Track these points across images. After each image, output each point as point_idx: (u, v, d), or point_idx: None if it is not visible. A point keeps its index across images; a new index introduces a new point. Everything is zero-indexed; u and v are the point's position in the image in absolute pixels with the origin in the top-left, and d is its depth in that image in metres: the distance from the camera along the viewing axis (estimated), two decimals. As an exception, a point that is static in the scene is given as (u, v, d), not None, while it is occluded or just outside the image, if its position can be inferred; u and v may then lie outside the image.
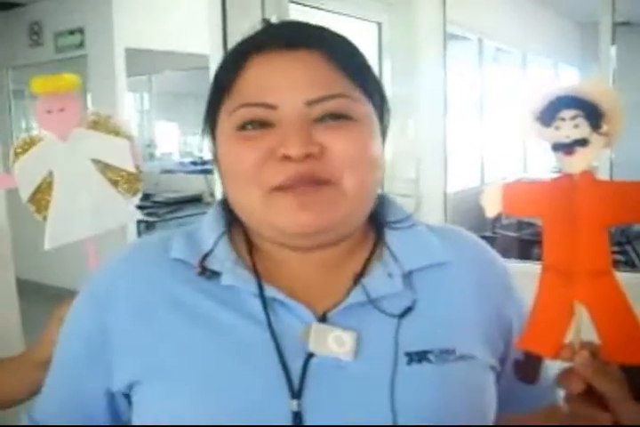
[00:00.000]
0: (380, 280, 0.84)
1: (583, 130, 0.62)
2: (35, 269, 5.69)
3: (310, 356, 0.78)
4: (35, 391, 1.11)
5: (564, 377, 0.66)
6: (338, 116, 0.79)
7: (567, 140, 0.63)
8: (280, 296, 0.81)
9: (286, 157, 0.76)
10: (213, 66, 2.81)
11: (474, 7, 5.22)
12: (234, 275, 0.82)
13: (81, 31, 6.00)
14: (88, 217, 1.06)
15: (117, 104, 5.77)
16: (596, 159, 0.64)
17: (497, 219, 5.51)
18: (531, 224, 5.05)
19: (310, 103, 0.78)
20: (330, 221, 0.79)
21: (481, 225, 5.76)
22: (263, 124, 0.79)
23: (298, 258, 0.86)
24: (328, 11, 3.66)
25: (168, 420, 0.77)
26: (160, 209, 5.68)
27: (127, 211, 1.08)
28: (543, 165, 8.38)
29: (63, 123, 1.05)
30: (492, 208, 0.70)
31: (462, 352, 0.82)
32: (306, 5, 3.46)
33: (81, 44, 6.03)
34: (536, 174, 7.87)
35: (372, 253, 0.88)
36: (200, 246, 0.86)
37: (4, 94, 6.74)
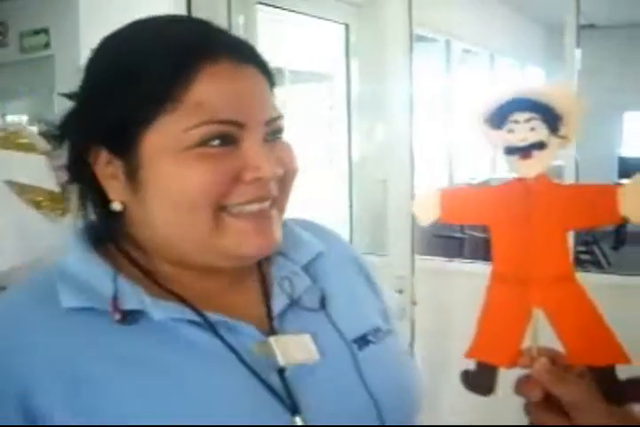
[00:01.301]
0: (291, 280, 0.85)
1: (541, 133, 0.61)
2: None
3: (281, 370, 0.76)
4: None
5: (523, 385, 0.65)
6: (279, 134, 0.80)
7: (523, 144, 0.62)
8: (224, 319, 0.76)
9: (257, 179, 0.74)
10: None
11: (441, 9, 5.24)
12: (162, 308, 0.74)
13: (46, 31, 5.91)
14: (13, 244, 0.96)
15: None
16: (563, 160, 0.63)
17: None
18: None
19: (268, 122, 0.77)
20: (276, 242, 0.79)
21: (450, 225, 5.79)
22: (226, 142, 0.74)
23: (206, 279, 0.82)
24: (296, 12, 3.65)
25: None
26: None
27: (55, 233, 0.96)
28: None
29: None
30: (426, 216, 0.68)
31: (384, 328, 0.90)
32: (274, 6, 3.45)
33: (47, 45, 5.95)
34: (503, 175, 7.92)
35: (260, 261, 0.87)
36: (97, 290, 0.75)
37: (-32, 95, 6.64)
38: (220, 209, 0.74)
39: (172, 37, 0.76)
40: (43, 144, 0.95)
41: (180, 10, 2.49)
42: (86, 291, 0.75)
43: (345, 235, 4.11)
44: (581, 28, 3.47)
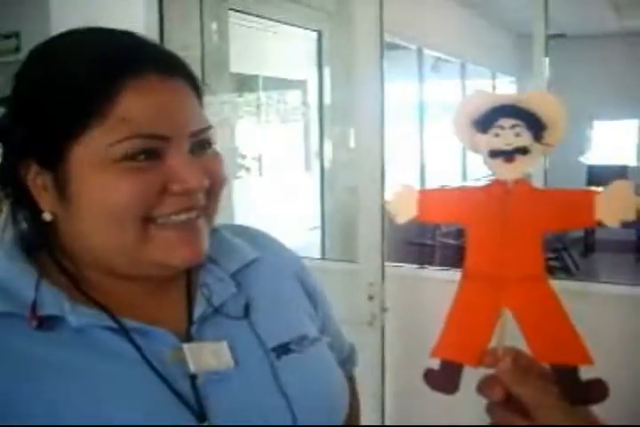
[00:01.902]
0: (215, 287, 0.86)
1: (525, 139, 0.63)
2: None
3: (193, 377, 0.77)
4: None
5: (486, 385, 0.65)
6: (206, 146, 0.80)
7: (508, 148, 0.63)
8: (140, 325, 0.77)
9: (185, 191, 0.75)
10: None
11: (414, 17, 5.28)
12: (80, 315, 0.75)
13: (17, 35, 5.87)
14: None
15: None
16: (531, 167, 0.64)
17: (437, 226, 5.57)
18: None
19: (193, 135, 0.77)
20: (204, 250, 0.80)
21: (421, 233, 5.83)
22: (151, 155, 0.74)
23: (131, 286, 0.82)
24: (268, 19, 3.66)
25: None
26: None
27: None
28: (482, 174, 8.52)
29: None
30: (404, 213, 0.68)
31: (311, 336, 0.90)
32: (247, 13, 3.45)
33: (17, 49, 5.91)
34: (474, 182, 7.99)
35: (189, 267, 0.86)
36: (18, 296, 0.75)
37: None
38: (146, 220, 0.75)
39: (100, 51, 0.76)
40: None
41: (153, 16, 2.48)
42: (7, 296, 0.75)
43: (316, 241, 4.12)
44: (552, 37, 3.52)
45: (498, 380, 0.65)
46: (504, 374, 0.64)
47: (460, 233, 5.22)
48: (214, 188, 0.79)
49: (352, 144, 3.54)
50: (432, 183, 6.77)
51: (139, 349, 0.75)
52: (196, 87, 0.81)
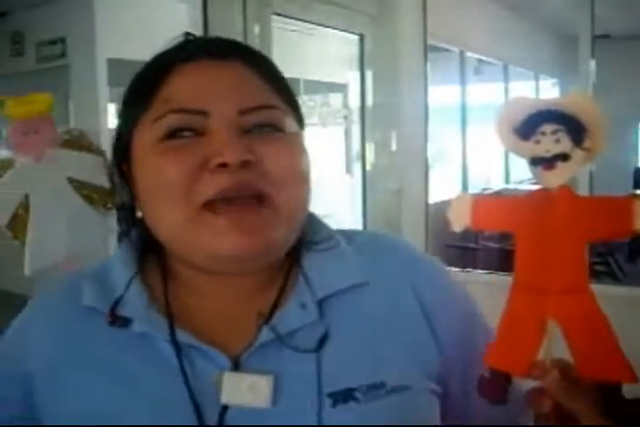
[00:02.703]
0: (292, 313, 0.76)
1: (565, 144, 0.61)
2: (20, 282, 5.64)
3: (226, 407, 0.72)
4: None
5: (534, 396, 0.64)
6: (269, 128, 0.75)
7: (547, 155, 0.62)
8: (193, 342, 0.74)
9: (221, 166, 0.70)
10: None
11: (456, 20, 5.26)
12: (146, 321, 0.75)
13: (63, 41, 5.97)
14: (66, 238, 1.04)
15: (99, 115, 5.73)
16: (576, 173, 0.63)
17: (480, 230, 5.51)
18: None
19: (244, 112, 0.74)
20: (265, 244, 0.73)
21: (464, 236, 5.79)
22: (193, 133, 0.74)
23: (216, 286, 0.80)
24: (311, 23, 3.67)
25: None
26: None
27: (104, 227, 1.06)
28: (524, 176, 8.43)
29: (37, 144, 1.02)
30: (459, 222, 0.67)
31: (393, 385, 0.75)
32: (289, 17, 3.47)
33: (63, 54, 6.00)
34: (517, 185, 7.91)
35: (287, 279, 0.81)
36: (111, 291, 0.78)
37: (-16, 104, 6.70)
38: (203, 207, 0.72)
39: (165, 50, 0.81)
40: (97, 145, 1.04)
41: (197, 20, 2.51)
42: (99, 291, 0.78)
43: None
44: (596, 38, 3.46)
45: (546, 392, 0.63)
46: (552, 386, 0.63)
47: (502, 236, 5.17)
48: (278, 173, 0.73)
49: (394, 147, 3.53)
50: (474, 186, 6.72)
51: (182, 366, 0.73)
52: (259, 68, 0.79)
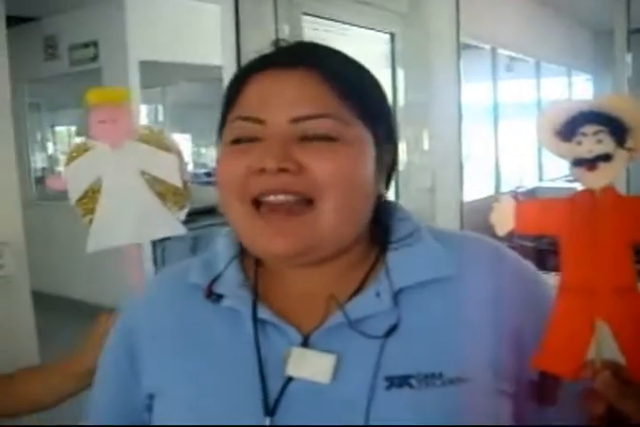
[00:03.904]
0: (366, 300, 0.81)
1: (607, 145, 0.61)
2: (50, 282, 5.71)
3: (290, 379, 0.78)
4: (61, 401, 1.13)
5: (585, 398, 0.64)
6: (323, 137, 0.79)
7: (590, 156, 0.61)
8: (271, 318, 0.81)
9: (262, 171, 0.77)
10: (227, 77, 2.81)
11: (487, 16, 5.22)
12: (235, 297, 0.85)
13: (95, 44, 6.03)
14: (131, 225, 1.09)
15: (131, 116, 5.78)
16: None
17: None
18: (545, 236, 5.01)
19: (295, 121, 0.79)
20: (304, 246, 0.79)
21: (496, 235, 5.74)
22: (252, 140, 0.81)
23: (295, 273, 0.86)
24: (341, 22, 3.66)
25: None
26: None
27: (171, 224, 1.11)
28: (557, 174, 8.36)
29: (115, 133, 1.08)
30: (503, 226, 0.68)
31: (451, 376, 0.77)
32: (319, 17, 3.46)
33: (95, 57, 6.07)
34: (550, 183, 7.84)
35: (371, 270, 0.85)
36: (213, 271, 0.89)
37: (19, 107, 6.79)
38: (254, 206, 0.80)
39: (256, 56, 0.88)
40: (177, 146, 1.09)
41: (228, 22, 2.51)
42: (205, 270, 0.90)
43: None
44: (631, 32, 3.41)
45: (597, 393, 0.63)
46: (603, 388, 0.63)
47: (537, 235, 5.11)
48: (321, 180, 0.77)
49: (426, 146, 3.51)
50: (507, 184, 6.67)
51: (256, 338, 0.81)
52: (332, 76, 0.81)
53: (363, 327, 0.79)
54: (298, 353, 0.79)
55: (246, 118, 0.81)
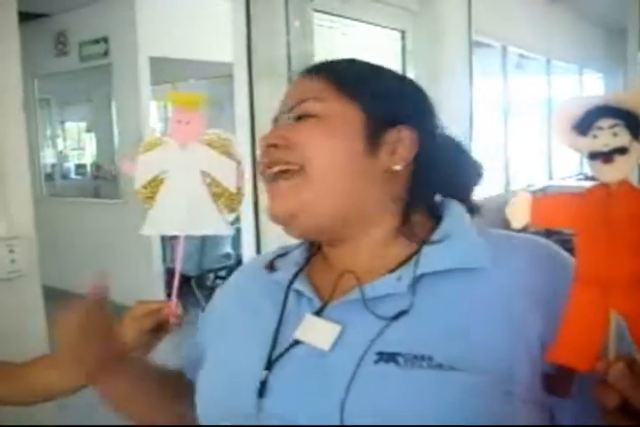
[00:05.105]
0: (386, 282, 0.85)
1: (623, 138, 0.61)
2: (61, 277, 5.73)
3: (297, 342, 0.87)
4: (76, 389, 1.14)
5: (599, 390, 0.64)
6: (304, 116, 0.92)
7: (606, 149, 0.62)
8: (302, 288, 0.92)
9: (262, 151, 0.94)
10: (237, 74, 2.79)
11: (497, 14, 5.20)
12: (284, 271, 0.97)
13: (105, 40, 6.05)
14: (183, 218, 1.18)
15: (141, 113, 5.80)
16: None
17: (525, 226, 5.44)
18: (558, 231, 4.99)
19: (290, 109, 0.94)
20: (297, 205, 0.89)
21: (510, 229, 5.71)
22: None
23: (333, 252, 0.96)
24: (352, 19, 3.66)
25: (199, 385, 0.96)
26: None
27: (219, 223, 1.19)
28: (568, 171, 8.33)
29: (187, 134, 1.18)
30: (519, 220, 0.68)
31: (440, 361, 0.76)
32: (330, 14, 3.46)
33: (105, 53, 6.08)
34: (561, 181, 7.81)
35: (409, 258, 0.87)
36: (287, 252, 1.03)
37: (30, 103, 6.81)
38: (266, 177, 0.94)
39: None
40: (238, 154, 1.18)
41: (239, 19, 2.51)
42: (279, 253, 1.03)
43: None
44: (644, 31, 3.40)
45: (611, 385, 0.63)
46: (617, 380, 0.63)
47: (548, 231, 5.09)
48: (301, 149, 0.90)
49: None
50: (517, 181, 6.65)
51: (284, 303, 0.93)
52: (331, 74, 0.94)
53: (377, 306, 0.83)
54: (309, 320, 0.87)
55: (274, 119, 0.98)
